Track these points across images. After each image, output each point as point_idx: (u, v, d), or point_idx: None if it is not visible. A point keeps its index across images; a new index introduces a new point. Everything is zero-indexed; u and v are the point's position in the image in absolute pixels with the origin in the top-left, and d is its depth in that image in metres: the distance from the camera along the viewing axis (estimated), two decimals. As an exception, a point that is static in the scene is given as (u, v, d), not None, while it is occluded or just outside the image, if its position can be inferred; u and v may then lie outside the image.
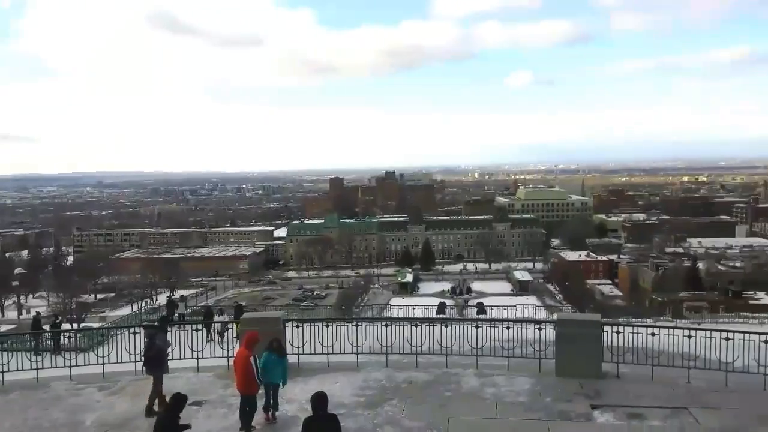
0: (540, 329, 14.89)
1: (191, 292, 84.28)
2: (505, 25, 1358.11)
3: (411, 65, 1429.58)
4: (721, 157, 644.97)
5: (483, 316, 35.42)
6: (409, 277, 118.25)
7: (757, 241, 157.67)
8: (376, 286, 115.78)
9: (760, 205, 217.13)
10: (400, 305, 45.17)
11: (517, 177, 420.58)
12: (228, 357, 14.85)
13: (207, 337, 19.07)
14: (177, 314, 34.86)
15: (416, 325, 15.58)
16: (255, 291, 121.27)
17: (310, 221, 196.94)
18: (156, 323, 15.99)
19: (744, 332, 13.52)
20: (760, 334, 13.24)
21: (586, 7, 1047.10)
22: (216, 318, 31.57)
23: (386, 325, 15.69)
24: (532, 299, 78.52)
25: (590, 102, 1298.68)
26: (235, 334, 15.78)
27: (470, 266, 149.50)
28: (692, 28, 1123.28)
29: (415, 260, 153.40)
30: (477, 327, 15.23)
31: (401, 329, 15.52)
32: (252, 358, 11.28)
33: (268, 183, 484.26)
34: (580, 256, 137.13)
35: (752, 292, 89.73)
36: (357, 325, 15.89)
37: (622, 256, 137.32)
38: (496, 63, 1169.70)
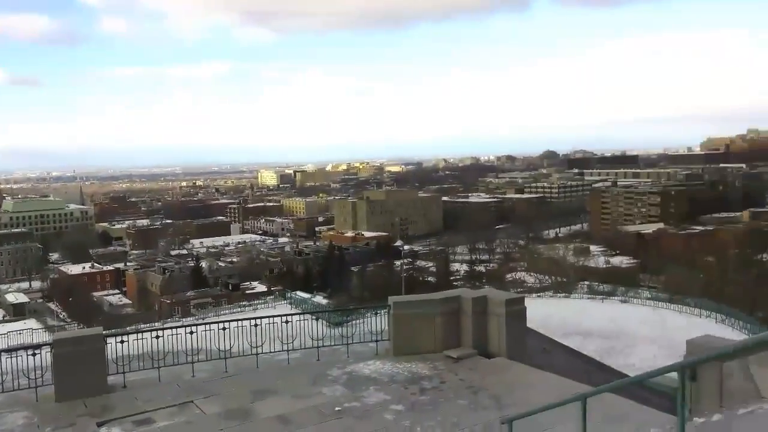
0: (35, 355, 13.23)
1: None
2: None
3: None
4: (213, 162, 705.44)
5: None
6: None
7: (249, 237, 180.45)
8: None
9: (249, 205, 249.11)
10: None
11: (2, 187, 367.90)
12: None
13: None
14: None
15: None
16: None
17: None
18: None
19: (237, 320, 14.98)
20: (250, 319, 14.80)
21: (67, 3, 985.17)
22: None
23: None
24: (30, 322, 71.09)
25: (83, 106, 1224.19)
26: None
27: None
28: (178, 41, 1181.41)
29: None
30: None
31: None
32: None
33: None
34: (84, 268, 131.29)
35: (248, 283, 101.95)
36: None
37: (128, 264, 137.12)
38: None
